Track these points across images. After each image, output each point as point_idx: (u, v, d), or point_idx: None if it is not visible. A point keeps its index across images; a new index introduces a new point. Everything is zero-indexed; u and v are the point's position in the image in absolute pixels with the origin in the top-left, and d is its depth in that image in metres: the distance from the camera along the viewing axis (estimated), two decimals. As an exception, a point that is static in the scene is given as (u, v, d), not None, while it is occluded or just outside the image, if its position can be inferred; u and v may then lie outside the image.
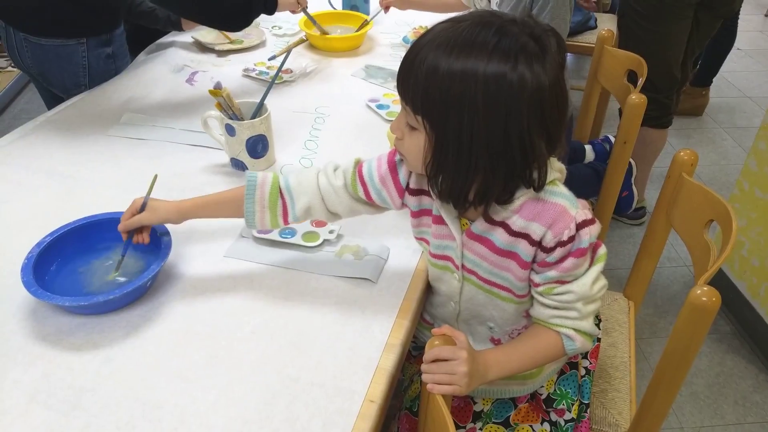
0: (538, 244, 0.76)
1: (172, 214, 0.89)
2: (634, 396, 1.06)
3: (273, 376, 0.76)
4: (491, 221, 0.78)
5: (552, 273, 0.77)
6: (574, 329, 0.79)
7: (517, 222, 0.76)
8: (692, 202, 0.99)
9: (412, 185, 0.84)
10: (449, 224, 0.81)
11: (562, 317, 0.79)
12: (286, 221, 0.89)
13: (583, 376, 0.97)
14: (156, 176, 0.94)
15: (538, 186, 0.73)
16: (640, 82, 1.30)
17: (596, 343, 1.00)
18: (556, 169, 0.77)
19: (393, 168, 0.85)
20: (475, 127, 0.67)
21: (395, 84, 1.26)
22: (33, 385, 0.75)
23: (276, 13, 1.41)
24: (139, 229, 0.90)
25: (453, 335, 0.73)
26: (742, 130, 2.81)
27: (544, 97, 0.67)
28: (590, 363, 0.98)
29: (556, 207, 0.74)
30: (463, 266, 0.84)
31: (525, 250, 0.77)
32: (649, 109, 1.82)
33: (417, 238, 0.90)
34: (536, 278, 0.79)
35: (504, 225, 0.77)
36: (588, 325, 0.80)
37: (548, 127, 0.69)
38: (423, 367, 0.72)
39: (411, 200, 0.86)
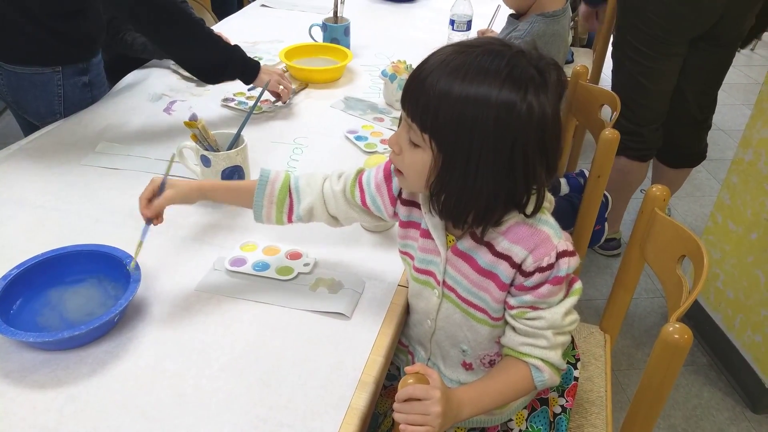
0: (518, 267, 0.77)
1: (193, 191, 0.91)
2: (611, 431, 1.05)
3: (241, 416, 0.75)
4: (477, 240, 0.79)
5: (527, 297, 0.78)
6: (542, 359, 0.80)
7: (501, 243, 0.77)
8: (665, 238, 1.00)
9: (404, 195, 0.87)
10: (436, 239, 0.82)
11: (531, 345, 0.80)
12: (290, 219, 0.92)
13: (559, 414, 0.97)
14: (174, 156, 0.96)
15: (533, 212, 0.75)
16: (614, 116, 1.33)
17: (573, 382, 0.99)
18: (546, 199, 0.79)
19: (388, 176, 0.88)
20: (484, 152, 0.69)
21: (374, 116, 1.27)
22: (-8, 425, 0.72)
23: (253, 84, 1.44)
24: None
25: (426, 373, 0.72)
26: (715, 162, 2.87)
27: (547, 126, 0.69)
28: (567, 401, 0.98)
29: (540, 234, 0.76)
30: (444, 282, 0.85)
31: (505, 271, 0.78)
32: (629, 140, 1.87)
33: (401, 252, 0.91)
34: (511, 301, 0.80)
35: (489, 245, 0.78)
36: (556, 357, 0.80)
37: (548, 155, 0.72)
38: (395, 406, 0.71)
39: (402, 210, 0.88)
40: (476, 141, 0.68)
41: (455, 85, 0.68)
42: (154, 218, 0.91)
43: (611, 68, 1.96)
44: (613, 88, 1.91)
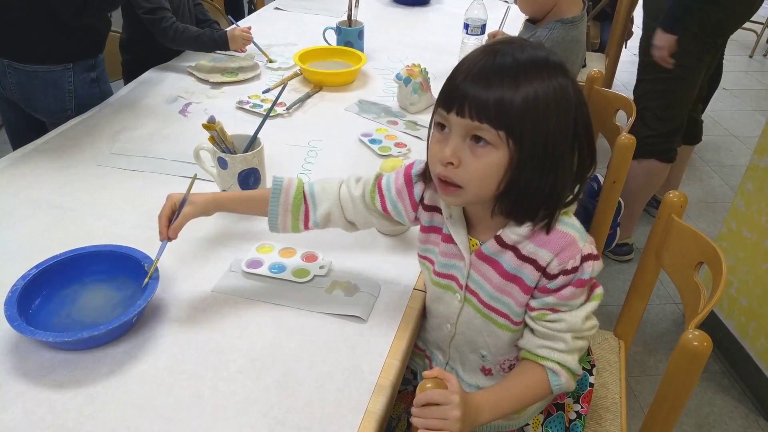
0: (543, 270, 0.77)
1: (210, 204, 0.91)
2: (625, 438, 1.05)
3: (258, 418, 0.75)
4: (502, 244, 0.79)
5: (549, 299, 0.78)
6: (560, 363, 0.79)
7: (527, 247, 0.77)
8: (682, 244, 1.00)
9: (426, 201, 0.87)
10: (459, 244, 0.83)
11: (549, 348, 0.80)
12: (306, 226, 0.92)
13: (574, 420, 0.96)
14: (195, 175, 0.94)
15: (571, 202, 0.77)
16: (630, 122, 1.32)
17: (589, 388, 0.99)
18: None
19: (409, 182, 0.88)
20: (554, 138, 0.71)
21: (388, 119, 1.25)
22: (12, 424, 0.72)
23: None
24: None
25: (444, 378, 0.72)
26: (728, 168, 2.85)
27: (584, 104, 0.74)
28: (582, 407, 0.97)
29: (566, 237, 0.76)
30: (466, 286, 0.85)
31: (530, 275, 0.78)
32: (663, 143, 1.95)
33: (420, 257, 0.91)
34: (532, 302, 0.80)
35: (514, 249, 0.78)
36: (573, 361, 0.80)
37: (590, 134, 0.75)
38: (414, 411, 0.71)
39: (424, 215, 0.88)
40: (548, 129, 0.70)
41: (519, 78, 0.69)
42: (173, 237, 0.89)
43: (639, 76, 1.98)
44: (642, 96, 1.95)
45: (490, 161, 0.72)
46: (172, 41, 1.65)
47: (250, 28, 1.71)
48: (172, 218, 0.89)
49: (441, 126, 0.75)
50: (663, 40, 1.77)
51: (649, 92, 1.92)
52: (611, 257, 2.24)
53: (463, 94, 0.70)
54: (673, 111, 1.92)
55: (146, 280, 0.87)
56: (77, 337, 0.79)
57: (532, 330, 0.82)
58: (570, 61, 1.49)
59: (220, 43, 1.66)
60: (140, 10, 1.61)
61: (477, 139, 0.71)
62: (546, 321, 0.80)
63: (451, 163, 0.72)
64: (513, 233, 0.77)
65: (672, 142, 1.97)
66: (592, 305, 0.80)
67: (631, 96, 1.44)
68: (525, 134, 0.70)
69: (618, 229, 1.77)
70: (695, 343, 0.76)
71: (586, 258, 0.77)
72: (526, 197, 0.74)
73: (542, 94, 0.69)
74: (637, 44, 2.01)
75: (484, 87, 0.69)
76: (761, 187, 1.66)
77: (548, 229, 0.76)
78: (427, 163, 0.84)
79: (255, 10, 2.34)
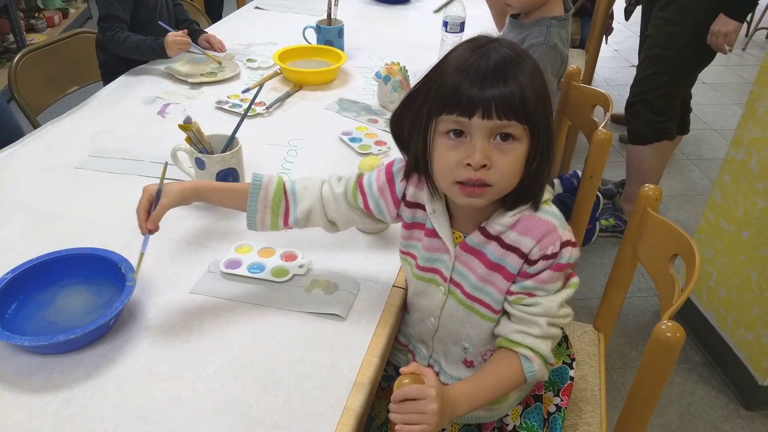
0: (525, 257, 0.80)
1: (188, 192, 0.90)
2: (605, 430, 1.06)
3: (237, 418, 0.75)
4: (487, 235, 0.81)
5: (528, 283, 0.80)
6: (533, 350, 0.81)
7: (510, 236, 0.79)
8: (657, 237, 1.01)
9: (408, 198, 0.87)
10: (443, 237, 0.84)
11: (523, 333, 0.81)
12: (286, 223, 0.91)
13: (554, 413, 0.97)
14: (167, 164, 0.93)
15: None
16: (607, 116, 1.33)
17: (569, 382, 1.00)
18: (547, 190, 0.81)
19: (390, 179, 0.88)
20: (551, 117, 0.75)
21: (368, 117, 1.24)
22: (-13, 430, 0.72)
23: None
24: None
25: (421, 373, 0.73)
26: (708, 161, 2.89)
27: None
28: (562, 400, 0.98)
29: (548, 224, 0.79)
30: (450, 279, 0.86)
31: (513, 262, 0.80)
32: (671, 126, 2.10)
33: (402, 252, 0.92)
34: (512, 287, 0.82)
35: (498, 239, 0.80)
36: (546, 348, 0.81)
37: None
38: (391, 407, 0.72)
39: (406, 212, 0.89)
40: (548, 113, 0.74)
41: (525, 70, 0.71)
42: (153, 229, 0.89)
43: (653, 69, 2.05)
44: (656, 87, 2.05)
45: (517, 155, 0.73)
46: (115, 49, 1.67)
47: (186, 31, 1.70)
48: (151, 210, 0.88)
49: (456, 132, 0.73)
50: (731, 26, 1.89)
51: (665, 84, 2.04)
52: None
53: (487, 98, 0.70)
54: (680, 96, 2.09)
55: (135, 275, 0.87)
56: (53, 340, 0.78)
57: (508, 315, 0.84)
58: (566, 57, 1.49)
59: (158, 51, 1.65)
60: (100, 15, 1.65)
61: (503, 136, 0.72)
62: (522, 305, 0.81)
63: (484, 165, 0.72)
64: (497, 224, 0.79)
65: (677, 116, 2.15)
66: (568, 293, 0.82)
67: (610, 91, 1.45)
68: (540, 123, 0.73)
69: (597, 223, 1.79)
70: (668, 334, 0.78)
71: (565, 244, 0.79)
72: (535, 183, 0.76)
73: (538, 80, 0.72)
74: (617, 40, 2.06)
75: (503, 85, 0.70)
76: (738, 179, 1.69)
77: (536, 209, 0.79)
78: (407, 162, 0.85)
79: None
